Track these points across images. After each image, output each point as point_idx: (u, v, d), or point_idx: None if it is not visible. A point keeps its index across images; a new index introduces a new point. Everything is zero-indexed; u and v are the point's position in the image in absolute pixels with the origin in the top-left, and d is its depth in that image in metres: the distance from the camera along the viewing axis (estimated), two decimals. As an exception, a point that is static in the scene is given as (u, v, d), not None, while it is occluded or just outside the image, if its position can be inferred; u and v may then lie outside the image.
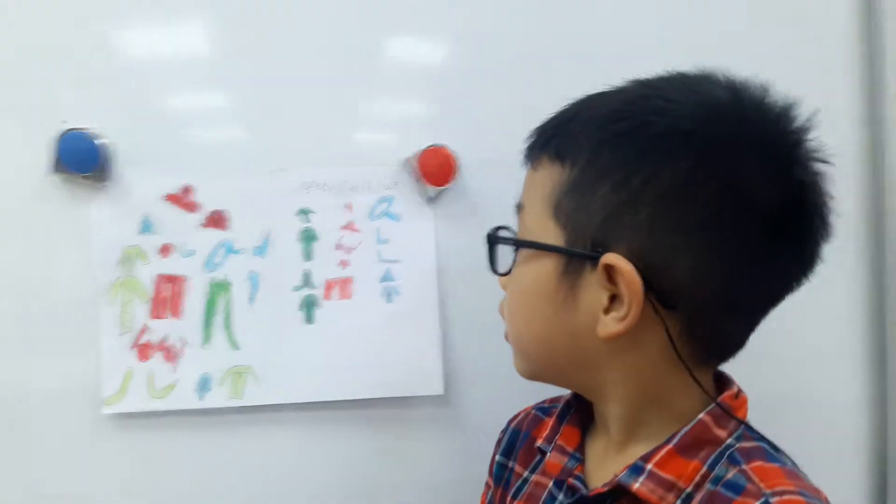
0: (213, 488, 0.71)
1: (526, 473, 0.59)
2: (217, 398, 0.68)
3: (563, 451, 0.55)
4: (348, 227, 0.70)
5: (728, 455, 0.48)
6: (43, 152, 0.65)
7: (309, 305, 0.70)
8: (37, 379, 0.67)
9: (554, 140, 0.50)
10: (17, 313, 0.66)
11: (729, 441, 0.49)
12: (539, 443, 0.56)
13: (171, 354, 0.68)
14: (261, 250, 0.69)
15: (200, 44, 0.67)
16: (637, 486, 0.47)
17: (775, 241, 0.46)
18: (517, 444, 0.62)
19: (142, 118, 0.66)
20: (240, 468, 0.71)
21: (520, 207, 0.53)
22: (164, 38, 0.67)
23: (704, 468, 0.47)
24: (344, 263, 0.70)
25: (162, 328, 0.68)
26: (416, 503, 0.74)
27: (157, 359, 0.68)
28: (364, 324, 0.70)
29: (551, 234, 0.48)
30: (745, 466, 0.47)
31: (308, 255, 0.69)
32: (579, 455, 0.54)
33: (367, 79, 0.69)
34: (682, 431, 0.48)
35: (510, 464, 0.61)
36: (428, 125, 0.70)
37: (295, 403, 0.70)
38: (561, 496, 0.53)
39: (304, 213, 0.69)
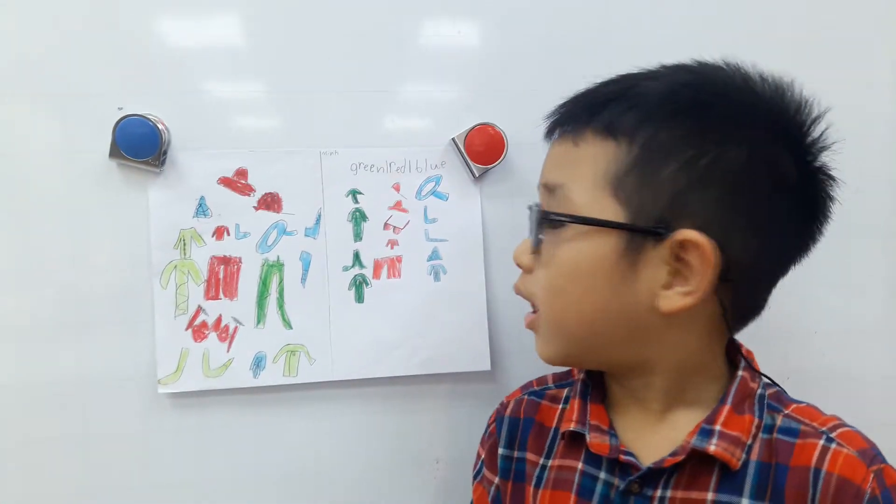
0: (267, 465, 0.72)
1: (542, 460, 0.57)
2: (271, 376, 0.69)
3: (600, 430, 0.54)
4: (396, 206, 0.71)
5: (766, 404, 0.52)
6: (100, 138, 0.66)
7: (358, 285, 0.71)
8: (93, 362, 0.68)
9: (602, 116, 0.50)
10: (75, 297, 0.68)
11: (760, 391, 0.53)
12: (573, 426, 0.55)
13: (225, 334, 0.69)
14: (312, 231, 0.70)
15: (249, 30, 0.69)
16: (713, 448, 0.49)
17: (800, 219, 0.51)
18: (520, 432, 0.60)
19: (195, 104, 0.68)
20: (293, 445, 0.72)
21: (551, 185, 0.52)
22: (217, 25, 0.68)
23: (756, 419, 0.51)
24: (392, 243, 0.71)
25: (216, 309, 0.69)
26: (465, 478, 0.75)
27: (211, 339, 0.69)
28: (412, 302, 0.71)
29: (609, 211, 0.48)
30: (786, 411, 0.52)
31: (357, 236, 0.71)
32: (614, 432, 0.54)
33: (413, 60, 0.71)
34: (732, 391, 0.52)
35: (517, 454, 0.59)
36: (473, 105, 0.72)
37: (347, 381, 0.71)
38: (604, 475, 0.53)
39: (353, 193, 0.70)
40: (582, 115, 0.51)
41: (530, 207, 0.54)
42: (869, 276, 0.80)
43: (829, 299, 0.79)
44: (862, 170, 0.75)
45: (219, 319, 0.69)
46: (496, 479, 0.61)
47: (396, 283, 0.71)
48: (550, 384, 0.63)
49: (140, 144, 0.66)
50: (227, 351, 0.69)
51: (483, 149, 0.70)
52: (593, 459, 0.54)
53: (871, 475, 0.47)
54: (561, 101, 0.54)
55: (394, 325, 0.71)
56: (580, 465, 0.54)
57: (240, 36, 0.69)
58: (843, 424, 0.50)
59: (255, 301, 0.69)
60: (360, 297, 0.71)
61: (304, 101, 0.70)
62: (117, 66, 0.67)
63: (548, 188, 0.52)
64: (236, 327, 0.69)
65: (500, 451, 0.60)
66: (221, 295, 0.69)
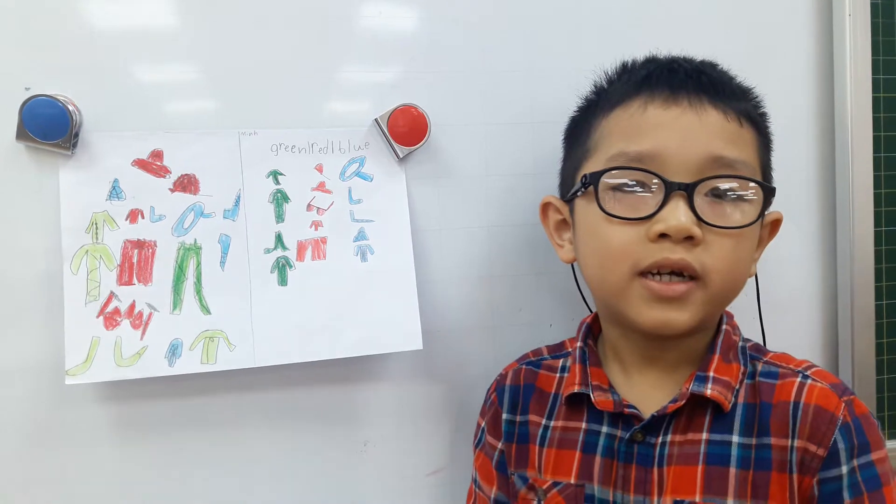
0: (186, 456, 0.68)
1: (544, 421, 0.62)
2: (188, 364, 0.66)
3: (602, 389, 0.59)
4: (319, 187, 0.70)
5: (747, 354, 0.60)
6: (6, 119, 0.64)
7: (281, 267, 0.69)
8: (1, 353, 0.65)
9: (744, 105, 0.57)
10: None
11: (741, 344, 0.60)
12: (577, 388, 0.60)
13: (139, 321, 0.66)
14: (231, 213, 0.68)
15: (168, 6, 0.68)
16: (709, 391, 0.55)
17: None
18: (521, 398, 0.65)
19: (108, 83, 0.66)
20: (213, 433, 0.69)
21: (731, 160, 0.55)
22: (132, 1, 0.67)
23: (742, 367, 0.58)
24: (316, 224, 0.70)
25: (130, 295, 0.66)
26: (398, 456, 0.73)
27: (124, 326, 0.66)
28: (339, 284, 0.69)
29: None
30: (765, 358, 0.59)
31: (280, 217, 0.69)
32: (615, 390, 0.59)
33: (337, 40, 0.71)
34: (719, 343, 0.59)
35: (519, 418, 0.64)
36: (397, 86, 0.72)
37: (270, 367, 0.68)
38: (607, 429, 0.58)
39: (275, 175, 0.69)
40: (731, 98, 0.56)
41: (690, 184, 0.54)
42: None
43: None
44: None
45: (132, 306, 0.66)
46: (500, 444, 0.64)
47: (322, 265, 0.69)
48: (546, 355, 0.68)
49: (49, 126, 0.64)
50: (141, 338, 0.66)
51: (406, 130, 0.70)
52: (595, 417, 0.59)
53: (843, 404, 0.54)
54: (662, 71, 0.58)
55: (320, 307, 0.69)
56: (583, 425, 0.59)
57: (156, 13, 0.68)
58: (815, 365, 0.58)
59: (171, 286, 0.67)
60: (283, 280, 0.69)
61: (223, 81, 0.69)
62: (24, 44, 0.65)
63: (726, 163, 0.55)
64: (151, 313, 0.66)
65: (504, 416, 0.64)
66: (135, 280, 0.66)
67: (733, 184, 0.54)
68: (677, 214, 0.52)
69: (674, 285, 0.53)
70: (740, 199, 0.54)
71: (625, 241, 0.55)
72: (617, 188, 0.56)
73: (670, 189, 0.53)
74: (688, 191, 0.53)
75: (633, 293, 0.55)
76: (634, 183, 0.55)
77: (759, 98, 0.61)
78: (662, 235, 0.53)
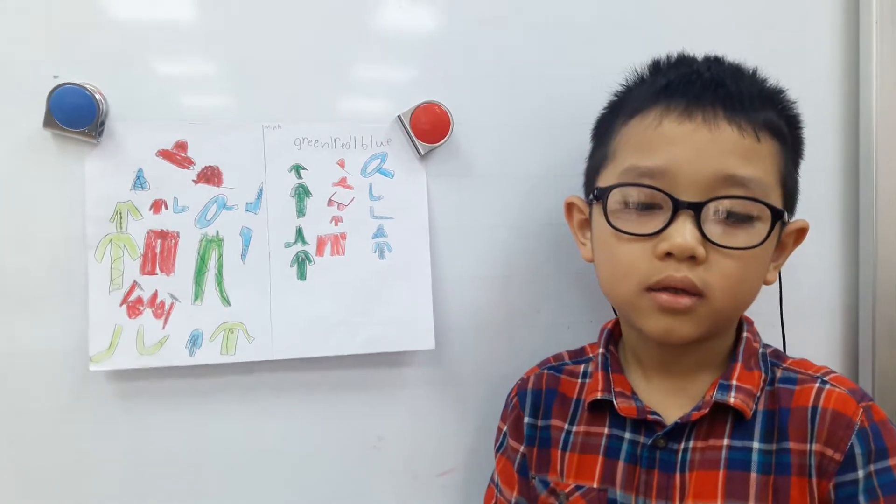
0: (205, 446, 0.69)
1: (567, 426, 0.63)
2: (208, 354, 0.67)
3: (625, 396, 0.60)
4: (341, 183, 0.70)
5: (768, 361, 0.60)
6: (35, 107, 0.64)
7: (301, 262, 0.69)
8: (23, 338, 0.66)
9: (765, 115, 0.56)
10: (6, 270, 0.65)
11: (761, 350, 0.61)
12: (600, 395, 0.60)
13: (161, 311, 0.67)
14: (253, 206, 0.69)
15: (194, 0, 0.68)
16: (733, 400, 0.56)
17: None
18: (543, 402, 0.65)
19: (135, 73, 0.67)
20: (232, 425, 0.69)
21: (744, 179, 0.54)
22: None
23: (763, 374, 0.58)
24: (336, 220, 0.70)
25: (152, 284, 0.67)
26: (410, 456, 0.73)
27: (146, 315, 0.67)
28: (356, 280, 0.70)
29: (779, 202, 0.57)
30: (784, 365, 0.60)
31: (301, 212, 0.69)
32: (638, 397, 0.60)
33: (361, 36, 0.71)
34: (741, 350, 0.59)
35: (541, 422, 0.64)
36: (421, 83, 0.72)
37: (287, 360, 0.69)
38: (629, 435, 0.59)
39: (297, 169, 0.69)
40: (746, 109, 0.55)
41: (698, 203, 0.53)
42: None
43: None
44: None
45: (154, 295, 0.67)
46: (522, 448, 0.65)
47: (340, 261, 0.70)
48: (567, 360, 0.67)
49: (76, 114, 0.65)
50: (163, 328, 0.67)
51: (429, 127, 0.70)
52: (618, 423, 0.59)
53: (861, 410, 0.54)
54: (681, 81, 0.57)
55: (337, 303, 0.69)
56: (606, 430, 0.60)
57: (185, 5, 0.68)
58: (834, 371, 0.59)
59: (192, 277, 0.67)
60: (302, 275, 0.69)
61: (248, 73, 0.69)
62: (53, 33, 0.66)
63: (738, 181, 0.54)
64: (172, 303, 0.67)
65: (526, 419, 0.64)
66: (158, 270, 0.67)
67: (742, 204, 0.54)
68: (683, 233, 0.53)
69: (679, 298, 0.54)
70: (749, 218, 0.54)
71: (633, 257, 0.55)
72: (627, 203, 0.56)
73: (678, 207, 0.53)
74: (695, 210, 0.53)
75: (642, 305, 0.56)
76: (642, 200, 0.55)
77: (789, 102, 0.60)
78: (668, 253, 0.53)
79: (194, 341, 0.67)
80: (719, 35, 0.73)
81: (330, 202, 0.70)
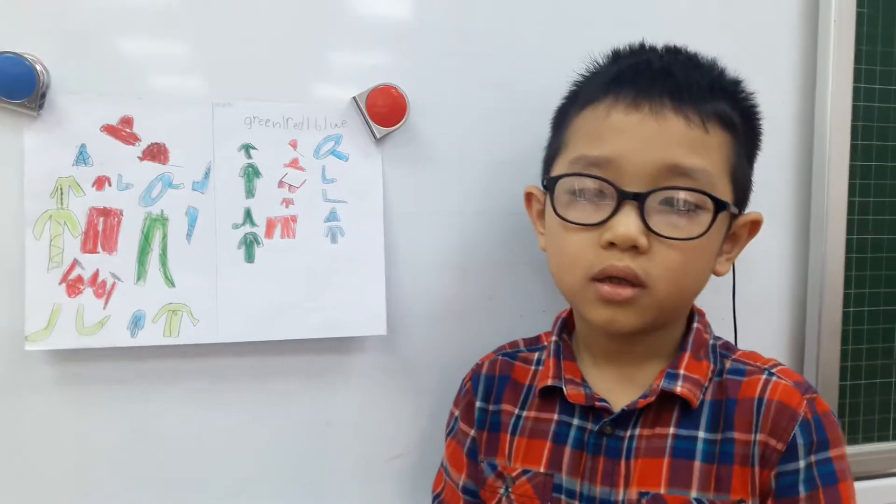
0: (147, 430, 0.68)
1: (517, 411, 0.63)
2: (151, 336, 0.66)
3: (574, 382, 0.60)
4: (292, 164, 0.69)
5: (717, 352, 0.61)
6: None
7: (249, 244, 0.68)
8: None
9: (714, 105, 0.55)
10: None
11: (711, 342, 0.62)
12: (551, 381, 0.61)
13: (102, 290, 0.65)
14: (200, 185, 0.67)
15: (144, -28, 0.66)
16: (679, 388, 0.57)
17: None
18: (496, 387, 0.65)
19: (79, 44, 0.64)
20: (176, 409, 0.68)
21: (689, 169, 0.53)
22: (106, -37, 0.65)
23: (712, 365, 0.59)
24: (287, 202, 0.69)
25: (94, 263, 0.65)
26: (360, 441, 0.73)
27: (87, 294, 0.65)
28: (307, 264, 0.69)
29: (728, 195, 0.56)
30: (733, 356, 0.61)
31: (250, 192, 0.68)
32: (587, 384, 0.60)
33: (318, 14, 0.69)
34: (690, 341, 0.60)
35: (492, 407, 0.65)
36: (379, 66, 0.70)
37: (233, 343, 0.67)
38: (578, 421, 0.59)
39: (247, 148, 0.68)
40: (695, 100, 0.54)
41: (641, 193, 0.53)
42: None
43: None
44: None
45: (96, 274, 0.65)
46: (472, 431, 0.65)
47: (290, 244, 0.69)
48: (522, 347, 0.68)
49: (14, 85, 0.62)
50: (104, 308, 0.65)
51: (385, 110, 0.69)
52: (567, 410, 0.60)
53: (805, 402, 0.55)
54: (631, 71, 0.56)
55: (286, 286, 0.68)
56: (555, 416, 0.60)
57: (132, -23, 0.65)
58: (781, 364, 0.60)
59: (135, 256, 0.66)
60: (250, 257, 0.68)
61: (199, 49, 0.67)
62: (-8, 0, 0.63)
63: (682, 171, 0.53)
64: (114, 283, 0.65)
65: (478, 404, 0.65)
66: (100, 248, 0.65)
67: (685, 195, 0.54)
68: (627, 223, 0.53)
69: (620, 289, 0.54)
70: (693, 209, 0.54)
71: (579, 246, 0.56)
72: (574, 192, 0.56)
73: (622, 197, 0.53)
74: (639, 200, 0.53)
75: (587, 295, 0.56)
76: (591, 189, 0.55)
77: (745, 93, 0.60)
78: (612, 243, 0.54)
79: (136, 322, 0.66)
80: (679, 28, 0.73)
81: (281, 184, 0.68)
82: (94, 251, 0.65)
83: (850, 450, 0.57)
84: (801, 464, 0.54)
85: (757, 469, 0.55)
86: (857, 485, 0.56)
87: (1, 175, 0.64)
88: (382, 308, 0.70)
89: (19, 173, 0.64)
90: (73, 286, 0.64)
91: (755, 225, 0.61)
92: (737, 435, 0.56)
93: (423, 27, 0.71)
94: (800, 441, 0.54)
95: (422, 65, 0.71)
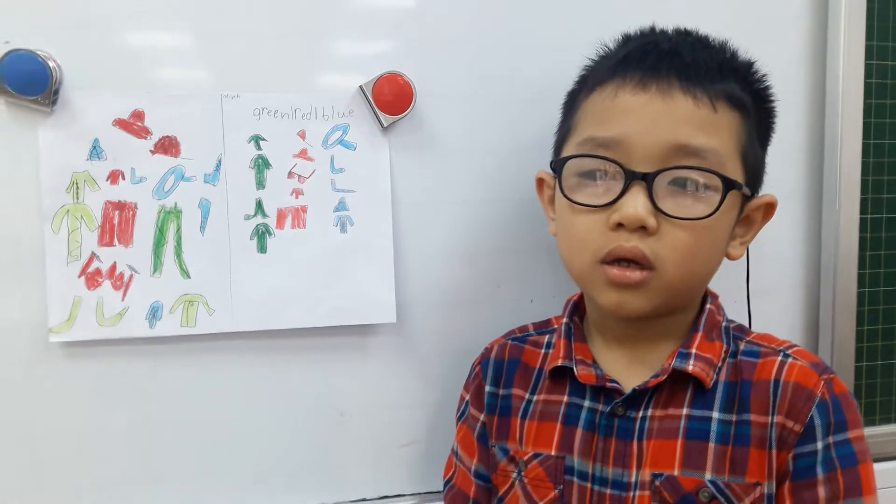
0: (164, 417, 0.69)
1: (528, 395, 0.63)
2: (168, 326, 0.67)
3: (585, 363, 0.60)
4: (301, 154, 0.69)
5: (731, 334, 0.60)
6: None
7: (261, 235, 0.69)
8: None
9: (724, 86, 0.55)
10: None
11: (724, 324, 0.61)
12: (561, 362, 0.60)
13: (120, 283, 0.67)
14: (212, 178, 0.68)
15: (151, -33, 0.66)
16: (691, 367, 0.56)
17: None
18: (505, 371, 0.65)
19: (91, 41, 0.65)
20: (191, 397, 0.70)
21: (699, 149, 0.53)
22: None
23: (725, 346, 0.59)
24: (297, 192, 0.69)
25: (111, 256, 0.67)
26: (373, 428, 0.74)
27: (105, 287, 0.66)
28: (317, 253, 0.70)
29: (740, 176, 0.56)
30: (747, 338, 0.60)
31: (260, 184, 0.69)
32: (598, 365, 0.60)
33: (323, 3, 0.69)
34: (703, 321, 0.59)
35: (503, 391, 0.65)
36: (386, 54, 0.70)
37: (247, 332, 0.69)
38: (589, 402, 0.59)
39: (256, 139, 0.69)
40: (703, 80, 0.54)
41: (650, 173, 0.53)
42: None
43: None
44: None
45: (113, 267, 0.67)
46: (482, 416, 0.65)
47: (301, 234, 0.69)
48: (532, 331, 0.68)
49: (29, 81, 0.63)
50: (122, 299, 0.67)
51: (392, 98, 0.69)
52: (577, 391, 0.60)
53: (822, 382, 0.55)
54: (638, 52, 0.56)
55: (298, 276, 0.69)
56: (565, 398, 0.60)
57: (140, -28, 0.66)
58: (797, 345, 0.59)
59: (151, 249, 0.67)
60: (262, 248, 0.69)
61: (207, 42, 0.68)
62: (5, -1, 0.64)
63: (691, 151, 0.53)
64: (131, 275, 0.67)
65: (488, 388, 0.65)
66: (116, 242, 0.67)
67: (694, 174, 0.53)
68: (635, 204, 0.53)
69: (629, 272, 0.54)
70: (703, 189, 0.53)
71: (587, 228, 0.55)
72: (583, 175, 0.56)
73: (630, 178, 0.53)
74: (647, 180, 0.53)
75: (595, 278, 0.56)
76: (600, 170, 0.55)
77: (757, 74, 0.59)
78: (620, 224, 0.53)
79: (154, 313, 0.67)
80: (691, 11, 0.72)
81: (290, 174, 0.69)
82: (110, 244, 0.66)
83: (867, 431, 0.55)
84: (819, 445, 0.53)
85: (774, 451, 0.54)
86: (875, 466, 0.55)
87: (18, 171, 0.65)
88: (392, 296, 0.70)
89: (36, 169, 0.65)
90: (91, 279, 0.66)
91: (770, 207, 0.60)
92: (753, 417, 0.55)
93: (428, 14, 0.71)
94: (817, 422, 0.53)
95: (428, 52, 0.71)
